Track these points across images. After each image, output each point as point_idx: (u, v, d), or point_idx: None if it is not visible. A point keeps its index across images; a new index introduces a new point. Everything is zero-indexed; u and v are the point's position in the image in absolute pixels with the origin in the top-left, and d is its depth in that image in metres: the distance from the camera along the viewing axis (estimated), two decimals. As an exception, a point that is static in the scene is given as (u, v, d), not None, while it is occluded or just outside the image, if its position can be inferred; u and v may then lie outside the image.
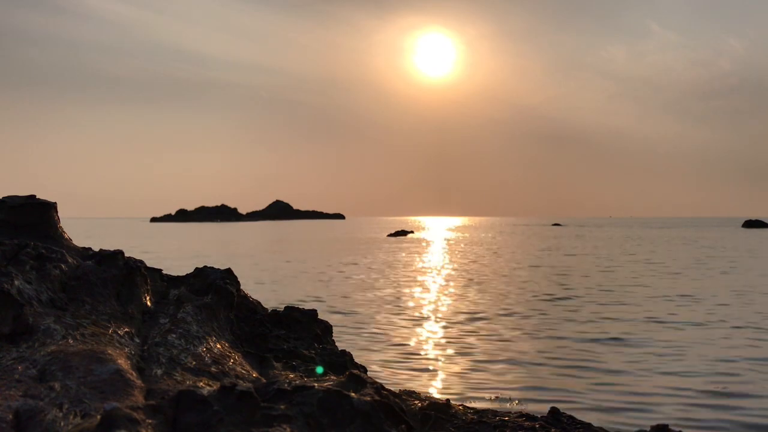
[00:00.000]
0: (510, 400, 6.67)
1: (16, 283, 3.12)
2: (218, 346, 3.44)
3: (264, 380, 3.19)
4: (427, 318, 12.30)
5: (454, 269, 23.77)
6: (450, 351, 9.26)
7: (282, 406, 2.36)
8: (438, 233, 74.85)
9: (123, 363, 2.76)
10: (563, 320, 11.96)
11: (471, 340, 10.06)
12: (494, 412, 3.03)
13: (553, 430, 2.85)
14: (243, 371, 3.28)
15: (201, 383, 2.91)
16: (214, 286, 3.89)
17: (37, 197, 3.95)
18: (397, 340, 10.06)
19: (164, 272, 4.21)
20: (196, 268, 4.21)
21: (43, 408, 2.32)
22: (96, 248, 4.03)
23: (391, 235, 66.14)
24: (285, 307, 4.31)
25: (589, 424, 2.99)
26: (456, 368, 8.19)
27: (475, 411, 3.02)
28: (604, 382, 7.41)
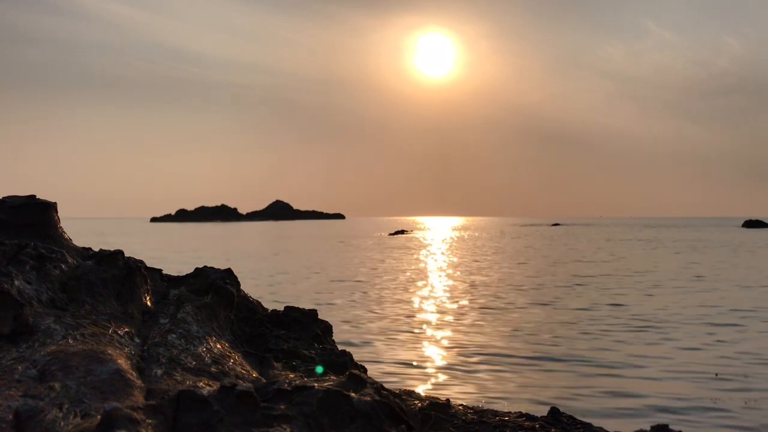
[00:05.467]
0: (510, 400, 6.66)
1: (16, 283, 3.12)
2: (218, 346, 3.44)
3: (264, 380, 3.19)
4: (428, 317, 12.30)
5: (461, 270, 23.77)
6: (450, 351, 9.26)
7: (282, 406, 2.36)
8: (441, 233, 74.88)
9: (123, 363, 2.76)
10: (564, 320, 11.96)
11: (472, 340, 10.06)
12: (494, 412, 3.03)
13: (553, 430, 2.85)
14: (243, 371, 3.28)
15: (201, 383, 2.92)
16: (214, 286, 3.89)
17: (37, 197, 3.95)
18: (396, 340, 10.06)
19: (164, 272, 4.21)
20: (196, 268, 4.21)
21: (43, 408, 2.33)
22: (96, 248, 4.03)
23: (391, 233, 66.42)
24: (285, 307, 4.31)
25: (589, 424, 2.99)
26: (456, 368, 8.19)
27: (475, 411, 3.02)
28: (605, 382, 7.41)
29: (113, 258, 3.66)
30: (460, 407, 3.03)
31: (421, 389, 7.00)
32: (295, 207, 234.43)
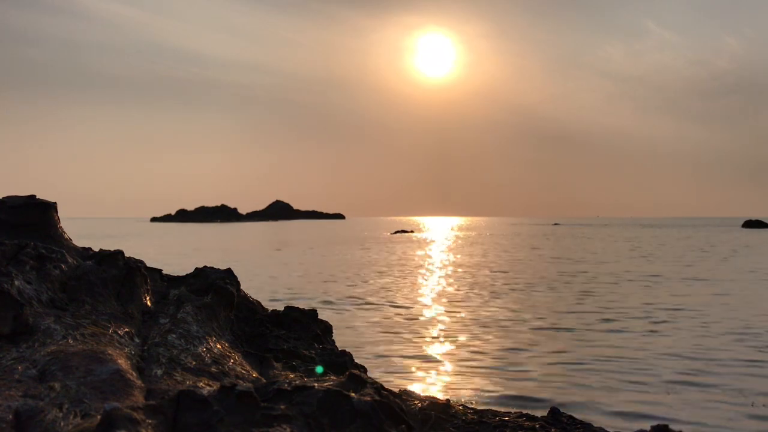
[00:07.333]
0: (510, 400, 6.66)
1: (16, 283, 3.12)
2: (218, 346, 3.44)
3: (264, 380, 3.19)
4: (428, 317, 12.31)
5: (463, 269, 23.77)
6: (450, 351, 9.26)
7: (282, 406, 2.36)
8: (443, 233, 74.89)
9: (123, 363, 2.76)
10: (563, 320, 11.96)
11: (471, 339, 10.06)
12: (494, 412, 3.03)
13: (553, 430, 2.85)
14: (243, 371, 3.28)
15: (201, 383, 2.92)
16: (214, 286, 3.89)
17: (37, 197, 3.95)
18: (397, 340, 10.06)
19: (164, 272, 4.21)
20: (196, 268, 4.21)
21: (43, 408, 2.33)
22: (96, 248, 4.04)
23: (393, 233, 66.55)
24: (285, 307, 4.31)
25: (589, 424, 2.99)
26: (456, 368, 8.19)
27: (475, 411, 3.02)
28: (605, 382, 7.41)
29: (113, 258, 3.66)
30: (460, 407, 3.03)
31: (421, 389, 7.00)
32: (295, 207, 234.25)
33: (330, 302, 14.48)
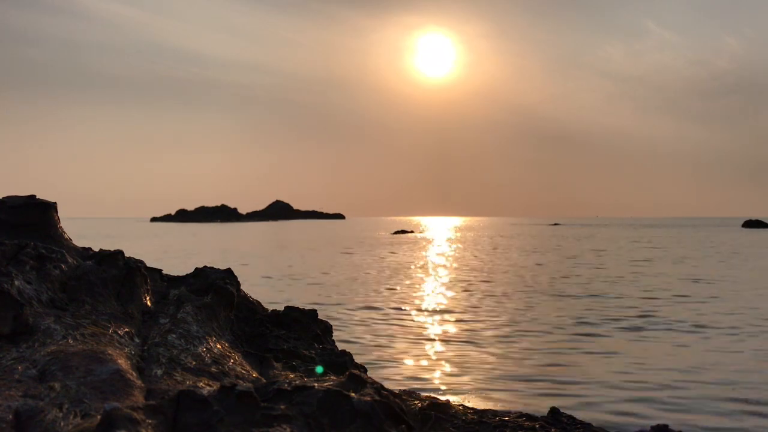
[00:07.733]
0: (510, 400, 6.66)
1: (16, 283, 3.12)
2: (218, 346, 3.44)
3: (264, 380, 3.19)
4: (429, 317, 12.31)
5: (466, 268, 23.77)
6: (450, 351, 9.26)
7: (282, 406, 2.36)
8: (443, 234, 74.88)
9: (123, 363, 2.76)
10: (563, 321, 11.96)
11: (471, 339, 10.06)
12: (494, 412, 3.03)
13: (553, 430, 2.85)
14: (243, 371, 3.28)
15: (201, 383, 2.92)
16: (214, 286, 3.89)
17: (37, 197, 3.95)
18: (397, 340, 10.06)
19: (164, 272, 4.21)
20: (196, 268, 4.21)
21: (43, 408, 2.33)
22: (95, 248, 4.04)
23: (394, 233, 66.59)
24: (285, 307, 4.31)
25: (589, 424, 2.99)
26: (456, 368, 8.19)
27: (475, 411, 3.02)
28: (605, 382, 7.41)
29: (113, 258, 3.66)
30: (460, 407, 3.03)
31: (421, 389, 7.00)
32: (295, 207, 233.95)
33: (330, 303, 14.48)
